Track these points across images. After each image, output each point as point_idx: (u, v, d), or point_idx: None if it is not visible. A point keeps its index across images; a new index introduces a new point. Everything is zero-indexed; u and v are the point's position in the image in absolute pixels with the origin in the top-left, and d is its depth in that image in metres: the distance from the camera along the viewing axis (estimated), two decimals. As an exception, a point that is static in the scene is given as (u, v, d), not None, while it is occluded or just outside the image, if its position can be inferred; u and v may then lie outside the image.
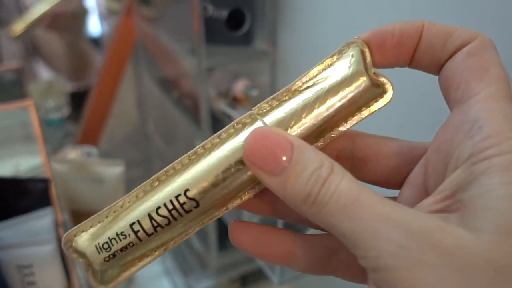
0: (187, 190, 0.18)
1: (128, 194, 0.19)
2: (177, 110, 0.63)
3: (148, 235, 0.19)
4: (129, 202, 0.19)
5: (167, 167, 0.19)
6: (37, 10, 0.91)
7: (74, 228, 0.19)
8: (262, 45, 0.55)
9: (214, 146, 0.19)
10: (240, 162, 0.18)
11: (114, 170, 0.51)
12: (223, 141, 0.19)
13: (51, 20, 0.93)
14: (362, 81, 0.18)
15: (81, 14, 0.94)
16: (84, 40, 1.01)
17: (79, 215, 0.53)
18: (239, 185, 0.19)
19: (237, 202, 0.19)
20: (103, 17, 0.96)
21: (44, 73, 1.19)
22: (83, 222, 0.19)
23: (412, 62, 0.19)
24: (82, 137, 0.75)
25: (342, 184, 0.16)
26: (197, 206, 0.18)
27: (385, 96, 0.19)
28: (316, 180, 0.16)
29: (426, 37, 0.18)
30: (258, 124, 0.19)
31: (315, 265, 0.21)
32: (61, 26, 0.93)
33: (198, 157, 0.19)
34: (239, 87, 0.56)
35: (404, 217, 0.15)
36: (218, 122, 0.55)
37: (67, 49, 0.99)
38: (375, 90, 0.19)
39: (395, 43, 0.18)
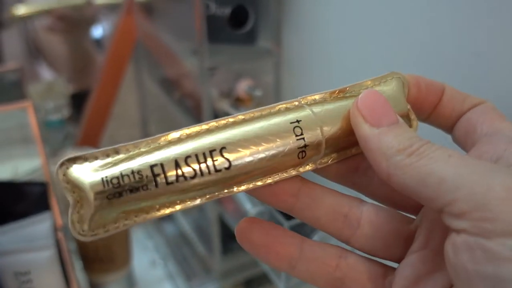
0: (223, 148, 0.17)
1: (147, 139, 0.17)
2: (179, 111, 0.62)
3: (168, 183, 0.16)
4: (152, 144, 0.17)
5: (210, 121, 0.18)
6: (44, 3, 0.90)
7: (76, 154, 0.17)
8: (266, 44, 0.53)
9: (263, 117, 0.19)
10: (286, 137, 0.18)
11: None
12: (272, 114, 0.19)
13: (56, 21, 0.92)
14: (402, 110, 0.20)
15: (88, 20, 0.93)
16: (88, 42, 1.00)
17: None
18: (278, 159, 0.18)
19: (267, 180, 0.19)
20: (103, 17, 0.94)
21: (46, 74, 1.18)
22: (86, 151, 0.17)
23: (431, 114, 0.22)
24: (83, 138, 0.74)
25: (445, 147, 0.17)
26: (228, 168, 0.17)
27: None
28: (419, 140, 0.17)
29: (449, 94, 0.21)
30: (306, 111, 0.19)
31: (316, 276, 0.21)
32: (65, 28, 0.92)
33: (245, 121, 0.18)
34: (242, 87, 0.55)
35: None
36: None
37: (70, 51, 0.98)
38: (406, 121, 0.20)
39: (424, 92, 0.21)
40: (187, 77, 0.61)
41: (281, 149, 0.18)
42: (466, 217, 0.15)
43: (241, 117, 0.18)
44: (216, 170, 0.17)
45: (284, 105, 0.19)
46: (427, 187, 0.16)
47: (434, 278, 0.18)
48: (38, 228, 0.44)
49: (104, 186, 0.16)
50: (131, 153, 0.17)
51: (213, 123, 0.18)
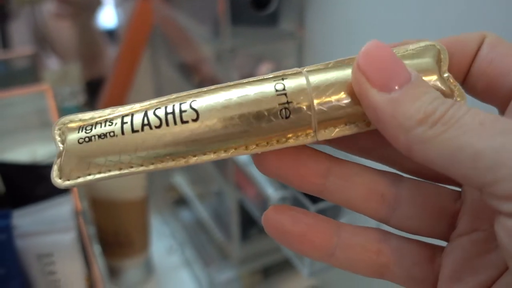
0: (193, 100, 0.16)
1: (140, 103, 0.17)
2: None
3: (133, 130, 0.16)
4: (137, 107, 0.17)
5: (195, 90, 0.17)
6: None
7: (75, 113, 0.18)
8: (289, 26, 0.52)
9: (247, 83, 0.17)
10: (262, 93, 0.16)
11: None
12: (258, 81, 0.17)
13: (62, 5, 0.92)
14: (431, 79, 0.16)
15: (94, 2, 0.93)
16: (96, 31, 0.99)
17: (98, 203, 0.52)
18: (251, 115, 0.16)
19: (240, 144, 0.16)
20: (118, 5, 0.93)
21: (55, 64, 1.18)
22: (86, 111, 0.18)
23: None
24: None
25: (474, 109, 0.14)
26: (196, 119, 0.16)
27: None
28: (442, 102, 0.14)
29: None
30: (301, 77, 0.16)
31: (357, 263, 0.19)
32: (72, 12, 0.92)
33: (224, 87, 0.17)
34: (263, 70, 0.54)
35: None
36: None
37: (79, 37, 0.97)
38: (443, 93, 0.16)
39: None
40: (206, 61, 0.61)
41: (255, 108, 0.16)
42: None
43: (224, 84, 0.17)
44: (183, 121, 0.16)
45: (279, 73, 0.17)
46: (459, 163, 0.13)
47: (487, 259, 0.16)
48: (59, 210, 0.44)
49: (78, 132, 0.17)
50: (117, 109, 0.17)
51: (193, 91, 0.17)
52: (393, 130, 0.15)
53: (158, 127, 0.16)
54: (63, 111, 0.83)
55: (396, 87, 0.15)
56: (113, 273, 0.56)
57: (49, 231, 0.41)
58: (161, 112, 0.16)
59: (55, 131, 0.17)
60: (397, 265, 0.18)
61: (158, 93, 0.80)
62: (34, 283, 0.42)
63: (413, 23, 0.40)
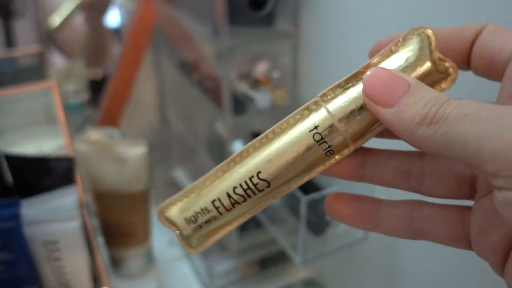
0: (259, 172, 0.21)
1: (209, 172, 0.22)
2: (198, 94, 0.63)
3: (227, 210, 0.22)
4: (210, 181, 0.22)
5: (242, 149, 0.22)
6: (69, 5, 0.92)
7: (165, 202, 0.24)
8: (284, 26, 0.54)
9: (283, 131, 0.21)
10: (308, 148, 0.21)
11: (137, 150, 0.51)
12: (290, 126, 0.21)
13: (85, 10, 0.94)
14: (426, 67, 0.20)
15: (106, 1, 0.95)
16: (105, 27, 1.01)
17: (101, 195, 0.54)
18: (307, 165, 0.21)
19: (305, 178, 0.22)
20: (121, 4, 0.96)
21: (59, 61, 1.20)
22: (172, 197, 0.23)
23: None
24: (102, 122, 0.76)
25: (462, 102, 0.17)
26: (269, 186, 0.21)
27: (449, 78, 0.20)
28: (434, 103, 0.17)
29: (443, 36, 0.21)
30: (322, 111, 0.21)
31: (399, 230, 0.23)
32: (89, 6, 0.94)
33: (269, 141, 0.21)
34: (260, 69, 0.56)
35: None
36: (239, 104, 0.55)
37: (89, 33, 1.00)
38: (439, 75, 0.20)
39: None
40: (205, 60, 0.63)
41: (307, 157, 0.21)
42: (499, 175, 0.16)
43: (263, 140, 0.22)
44: (259, 190, 0.21)
45: (304, 111, 0.21)
46: (455, 151, 0.17)
47: None
48: (64, 200, 0.46)
49: (187, 224, 0.23)
50: (199, 190, 0.23)
51: (238, 157, 0.22)
52: (402, 133, 0.18)
53: (244, 201, 0.22)
54: (67, 108, 0.85)
55: (398, 100, 0.18)
56: (115, 262, 0.58)
57: (55, 219, 0.43)
58: (240, 191, 0.21)
59: (164, 221, 0.23)
60: (430, 228, 0.22)
61: (160, 90, 0.82)
62: (41, 269, 0.45)
63: (407, 21, 0.42)
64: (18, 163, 0.49)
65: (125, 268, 0.58)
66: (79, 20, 1.00)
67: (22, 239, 0.41)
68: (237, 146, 0.57)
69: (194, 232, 0.23)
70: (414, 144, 0.18)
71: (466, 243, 0.21)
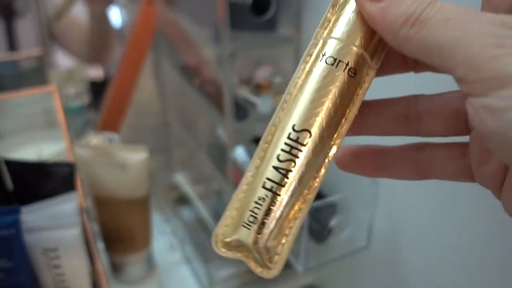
0: (293, 125, 0.19)
1: (247, 170, 0.20)
2: (199, 98, 0.63)
3: (282, 185, 0.19)
4: (251, 175, 0.19)
5: (267, 129, 0.20)
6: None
7: (216, 227, 0.20)
8: (286, 31, 0.54)
9: (298, 85, 0.19)
10: (325, 76, 0.19)
11: (138, 156, 0.51)
12: (302, 78, 0.19)
13: None
14: None
15: None
16: (109, 21, 1.01)
17: (102, 201, 0.53)
18: (337, 97, 0.19)
19: (347, 115, 0.20)
20: (123, 6, 0.96)
21: (62, 60, 1.19)
22: (221, 219, 0.20)
23: None
24: (103, 125, 0.75)
25: (447, 4, 0.17)
26: (310, 135, 0.19)
27: None
28: (420, 3, 0.17)
29: None
30: (321, 43, 0.20)
31: (405, 172, 0.24)
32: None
33: (288, 101, 0.19)
34: (262, 73, 0.56)
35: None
36: (241, 110, 0.54)
37: (92, 25, 0.99)
38: None
39: None
40: (207, 64, 0.62)
41: (330, 85, 0.19)
42: (466, 80, 0.16)
43: (283, 106, 0.19)
44: (304, 145, 0.19)
45: (306, 57, 0.20)
46: (432, 55, 0.17)
47: None
48: (64, 207, 0.45)
49: (248, 229, 0.19)
50: (245, 188, 0.19)
51: (269, 136, 0.20)
52: (385, 32, 0.18)
53: (294, 165, 0.19)
54: (68, 111, 0.85)
55: None
56: (116, 268, 0.58)
57: (55, 227, 0.43)
58: (285, 156, 0.19)
59: (223, 250, 0.20)
60: (434, 166, 0.23)
61: (161, 94, 0.82)
62: (41, 277, 0.44)
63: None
64: (18, 168, 0.49)
65: (125, 274, 0.58)
66: (80, 13, 1.00)
67: (21, 246, 0.41)
68: (239, 152, 0.57)
69: (259, 238, 0.19)
70: (395, 45, 0.18)
71: (470, 176, 0.22)
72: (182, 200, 0.78)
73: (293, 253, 0.49)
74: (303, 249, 0.45)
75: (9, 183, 0.48)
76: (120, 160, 0.51)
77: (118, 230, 0.54)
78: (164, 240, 0.73)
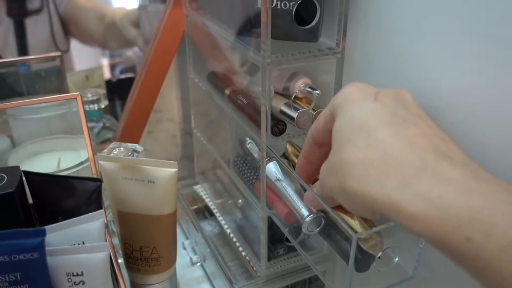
0: None
1: None
2: (228, 109, 0.59)
3: None
4: None
5: None
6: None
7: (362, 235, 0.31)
8: (329, 42, 0.50)
9: None
10: None
11: (166, 171, 0.48)
12: None
13: None
14: None
15: None
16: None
17: (125, 218, 0.50)
18: None
19: None
20: (142, 8, 0.92)
21: (79, 64, 1.16)
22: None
23: None
24: (123, 134, 0.72)
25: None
26: None
27: None
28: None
29: None
30: None
31: None
32: None
33: None
34: (299, 85, 0.52)
35: None
36: (278, 124, 0.51)
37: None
38: None
39: None
40: (239, 72, 0.59)
41: None
42: None
43: None
44: None
45: None
46: None
47: None
48: (90, 226, 0.42)
49: None
50: None
51: None
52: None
53: None
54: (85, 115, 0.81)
55: None
56: (136, 288, 0.54)
57: (80, 250, 0.39)
58: None
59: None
60: None
61: (183, 100, 0.79)
62: (62, 302, 0.41)
63: (464, 44, 0.38)
64: (39, 181, 0.45)
65: (147, 295, 0.54)
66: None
67: (45, 271, 0.37)
68: (271, 168, 0.53)
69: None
70: None
71: None
72: (203, 213, 0.74)
73: (328, 275, 0.46)
74: (347, 282, 0.41)
75: (28, 198, 0.45)
76: (148, 175, 0.48)
77: (141, 249, 0.51)
78: (185, 256, 0.70)
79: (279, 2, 0.47)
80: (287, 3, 0.47)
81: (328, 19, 0.50)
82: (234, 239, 0.66)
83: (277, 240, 0.60)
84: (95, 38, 1.08)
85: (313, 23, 0.48)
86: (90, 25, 1.07)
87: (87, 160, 0.56)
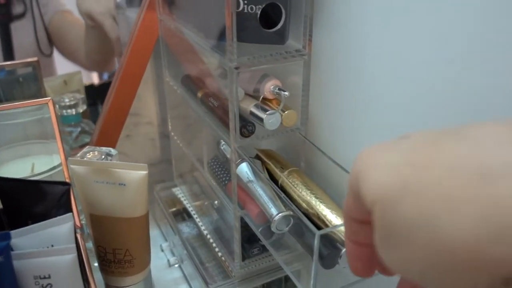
0: None
1: None
2: (201, 111, 0.60)
3: None
4: None
5: None
6: None
7: None
8: (296, 44, 0.51)
9: None
10: None
11: (137, 174, 0.48)
12: None
13: None
14: None
15: None
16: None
17: (97, 221, 0.50)
18: None
19: None
20: (121, 11, 0.93)
21: (60, 68, 1.16)
22: None
23: None
24: (99, 138, 0.72)
25: None
26: None
27: None
28: None
29: None
30: None
31: None
32: None
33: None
34: (269, 87, 0.53)
35: None
36: (247, 125, 0.52)
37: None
38: None
39: None
40: (210, 75, 0.60)
41: None
42: None
43: None
44: None
45: None
46: None
47: None
48: (59, 230, 0.42)
49: None
50: None
51: None
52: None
53: None
54: (64, 120, 0.82)
55: None
56: (111, 291, 0.55)
57: (47, 253, 0.40)
58: None
59: None
60: None
61: (160, 104, 0.79)
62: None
63: (428, 45, 0.39)
64: (8, 185, 0.45)
65: (121, 297, 0.54)
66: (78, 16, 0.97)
67: (11, 274, 0.38)
68: (243, 169, 0.54)
69: None
70: None
71: None
72: (182, 215, 0.75)
73: (295, 273, 0.47)
74: (313, 278, 0.42)
75: (-2, 202, 0.45)
76: (118, 178, 0.48)
77: (115, 252, 0.51)
78: (161, 258, 0.70)
79: (246, 6, 0.48)
80: (254, 7, 0.48)
81: (295, 21, 0.51)
82: (211, 240, 0.66)
83: (252, 240, 0.60)
84: (79, 55, 1.09)
85: (279, 26, 0.49)
86: (74, 42, 1.08)
87: (60, 164, 0.56)
